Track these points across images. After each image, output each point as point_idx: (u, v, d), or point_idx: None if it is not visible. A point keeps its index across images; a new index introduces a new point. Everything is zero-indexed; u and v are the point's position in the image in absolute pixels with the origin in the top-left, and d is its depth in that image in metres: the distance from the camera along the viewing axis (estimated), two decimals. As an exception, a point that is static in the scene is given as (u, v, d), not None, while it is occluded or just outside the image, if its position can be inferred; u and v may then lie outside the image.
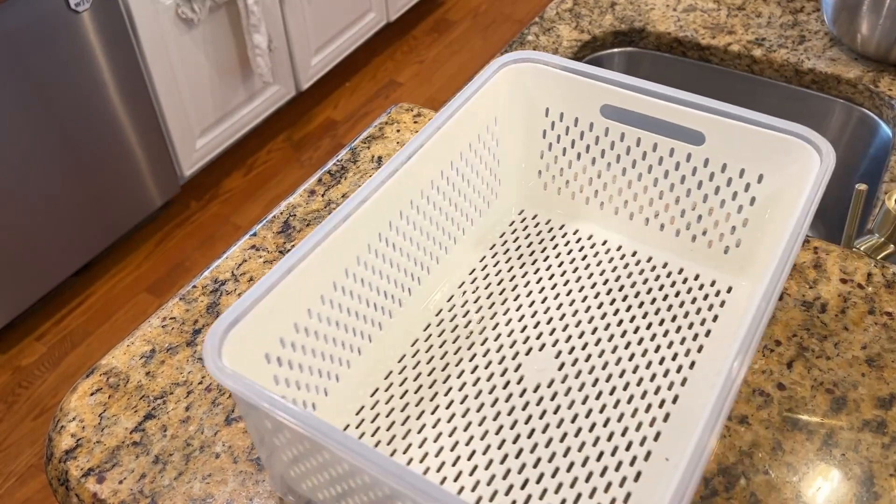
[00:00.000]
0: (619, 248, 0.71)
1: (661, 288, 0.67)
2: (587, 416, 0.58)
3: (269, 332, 0.52)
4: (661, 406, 0.59)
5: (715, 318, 0.65)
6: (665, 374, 0.61)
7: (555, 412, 0.59)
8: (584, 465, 0.56)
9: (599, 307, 0.66)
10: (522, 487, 0.55)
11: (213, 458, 0.58)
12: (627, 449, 0.56)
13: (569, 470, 0.55)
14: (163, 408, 0.61)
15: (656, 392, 0.60)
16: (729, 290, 0.67)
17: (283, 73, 2.13)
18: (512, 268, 0.70)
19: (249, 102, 2.08)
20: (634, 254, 0.70)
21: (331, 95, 2.40)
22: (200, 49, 1.88)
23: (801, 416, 0.58)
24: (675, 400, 0.59)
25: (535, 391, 0.60)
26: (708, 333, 0.64)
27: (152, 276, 1.94)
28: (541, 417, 0.59)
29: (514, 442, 0.57)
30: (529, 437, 0.57)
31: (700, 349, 0.62)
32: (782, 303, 0.66)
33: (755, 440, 0.57)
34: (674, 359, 0.62)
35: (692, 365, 0.61)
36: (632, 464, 0.55)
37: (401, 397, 0.60)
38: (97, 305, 1.88)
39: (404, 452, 0.57)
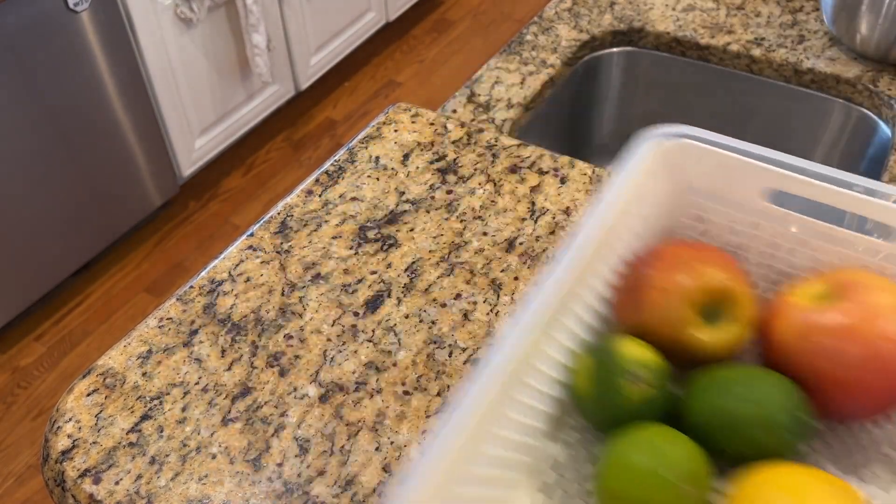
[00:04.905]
0: None
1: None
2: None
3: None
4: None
5: None
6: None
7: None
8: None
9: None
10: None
11: (210, 458, 0.57)
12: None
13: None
14: (159, 408, 0.61)
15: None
16: None
17: (282, 72, 2.13)
18: None
19: (248, 102, 2.08)
20: None
21: (330, 95, 2.40)
22: (199, 49, 1.87)
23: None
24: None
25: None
26: None
27: (151, 276, 1.94)
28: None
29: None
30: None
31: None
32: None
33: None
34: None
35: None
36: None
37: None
38: (96, 305, 1.88)
39: None
